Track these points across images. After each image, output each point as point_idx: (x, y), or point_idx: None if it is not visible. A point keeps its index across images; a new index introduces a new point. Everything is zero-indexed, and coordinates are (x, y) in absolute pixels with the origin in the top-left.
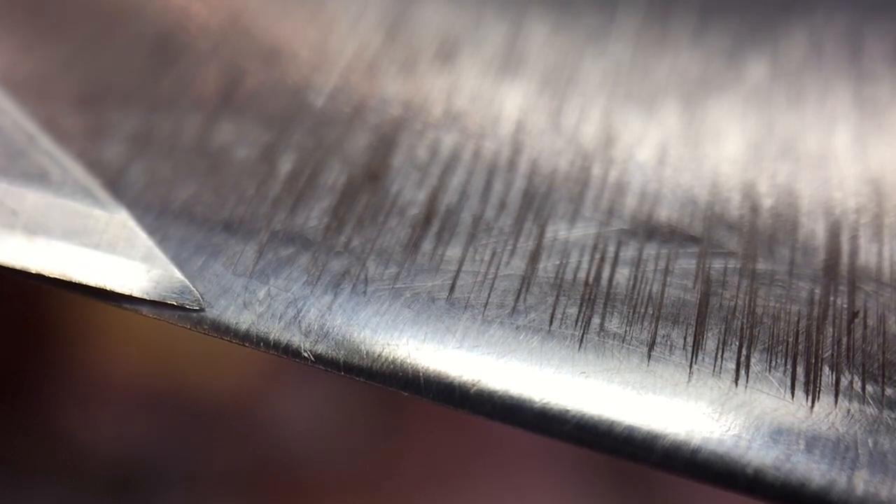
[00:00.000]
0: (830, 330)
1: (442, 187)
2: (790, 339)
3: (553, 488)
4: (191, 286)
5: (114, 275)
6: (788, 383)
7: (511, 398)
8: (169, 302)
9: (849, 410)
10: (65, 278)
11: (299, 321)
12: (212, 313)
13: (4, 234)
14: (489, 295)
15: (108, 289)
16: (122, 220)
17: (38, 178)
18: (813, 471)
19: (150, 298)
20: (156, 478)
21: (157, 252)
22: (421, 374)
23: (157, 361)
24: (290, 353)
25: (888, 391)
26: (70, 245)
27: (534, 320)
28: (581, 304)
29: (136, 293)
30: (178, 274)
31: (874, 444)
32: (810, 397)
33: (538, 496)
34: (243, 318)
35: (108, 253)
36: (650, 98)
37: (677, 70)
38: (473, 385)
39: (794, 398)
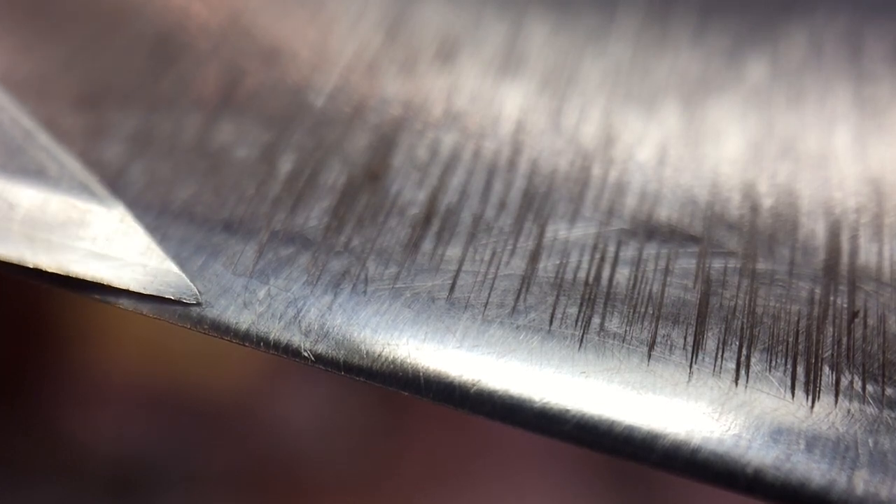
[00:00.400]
0: (830, 330)
1: (442, 187)
2: (790, 339)
3: (553, 488)
4: (188, 281)
5: (110, 269)
6: (788, 383)
7: (511, 398)
8: (166, 297)
9: (849, 410)
10: (62, 272)
11: (299, 321)
12: (212, 313)
13: (2, 228)
14: (489, 295)
15: (104, 283)
16: (119, 215)
17: (35, 173)
18: (813, 470)
19: (147, 293)
20: (156, 478)
21: (155, 247)
22: (421, 373)
23: (157, 361)
24: (290, 352)
25: (888, 391)
26: (67, 240)
27: (534, 320)
28: (581, 304)
29: (133, 287)
30: (175, 269)
31: (874, 444)
32: (810, 397)
33: (538, 496)
34: (243, 318)
35: (104, 247)
36: (650, 98)
37: (677, 70)
38: (473, 385)
39: (794, 398)
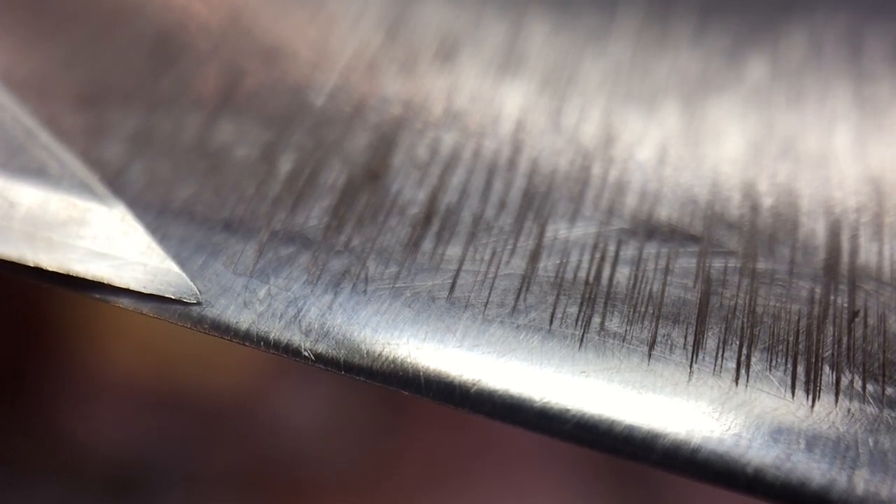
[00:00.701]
0: (831, 329)
1: (442, 186)
2: (790, 339)
3: (553, 488)
4: (188, 280)
5: (111, 268)
6: (789, 382)
7: (511, 397)
8: (166, 296)
9: (849, 409)
10: (62, 271)
11: (299, 320)
12: (212, 312)
13: (3, 227)
14: (489, 294)
15: (105, 282)
16: (119, 214)
17: (36, 172)
18: (813, 470)
19: (148, 292)
20: (156, 478)
21: (155, 246)
22: (421, 373)
23: (157, 361)
24: (290, 352)
25: (888, 390)
26: (68, 238)
27: (534, 319)
28: (581, 304)
29: (134, 286)
30: (175, 268)
31: (874, 444)
32: (811, 396)
33: (538, 496)
34: (243, 318)
35: (105, 246)
36: (650, 98)
37: (677, 70)
38: (473, 384)
39: (795, 397)
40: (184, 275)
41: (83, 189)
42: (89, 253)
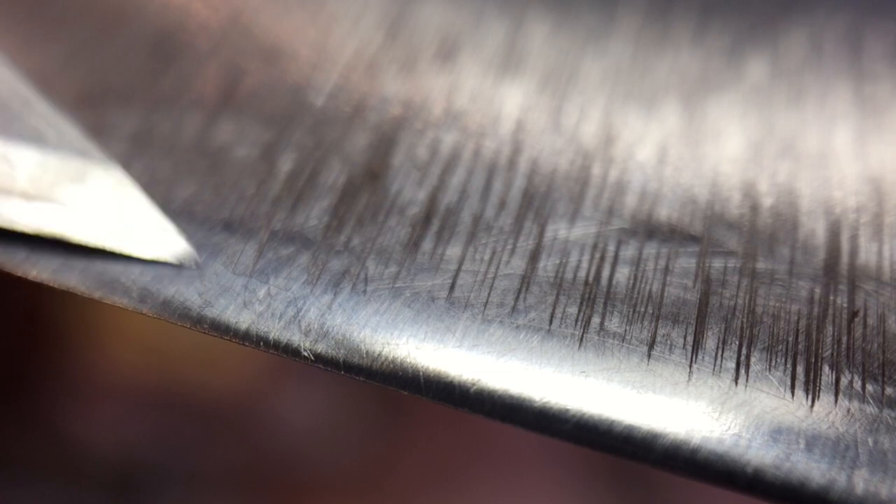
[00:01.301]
0: (830, 329)
1: (442, 186)
2: (790, 339)
3: (553, 488)
4: (185, 242)
5: (110, 233)
6: (788, 382)
7: (511, 397)
8: (165, 260)
9: (849, 409)
10: (61, 237)
11: (299, 320)
12: (212, 312)
13: (1, 194)
14: (489, 294)
15: (104, 247)
16: (118, 179)
17: (34, 139)
18: (813, 470)
19: (147, 257)
20: (156, 478)
21: (153, 210)
22: (421, 373)
23: (157, 361)
24: (289, 352)
25: (888, 390)
26: (66, 204)
27: (534, 319)
28: (581, 304)
29: (133, 252)
30: (174, 231)
31: (874, 443)
32: (810, 396)
33: (538, 496)
34: (243, 318)
35: (104, 212)
36: (650, 97)
37: (677, 69)
38: (473, 384)
39: (794, 397)
40: (183, 239)
41: (81, 155)
42: (88, 219)
